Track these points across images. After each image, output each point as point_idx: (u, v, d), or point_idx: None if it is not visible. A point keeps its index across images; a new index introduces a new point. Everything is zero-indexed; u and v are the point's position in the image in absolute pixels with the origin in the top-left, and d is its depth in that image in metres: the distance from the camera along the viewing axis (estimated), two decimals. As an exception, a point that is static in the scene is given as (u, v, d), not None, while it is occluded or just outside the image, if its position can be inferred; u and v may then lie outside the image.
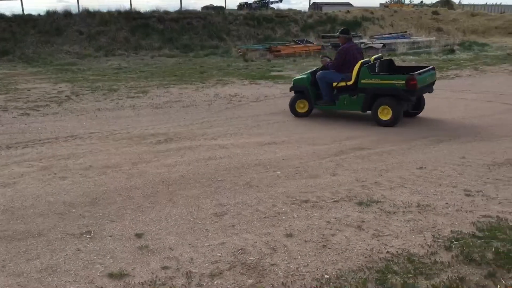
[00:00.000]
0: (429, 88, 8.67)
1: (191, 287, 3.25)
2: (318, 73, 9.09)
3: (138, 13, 26.08)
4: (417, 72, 8.26)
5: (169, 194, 5.13)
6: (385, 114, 8.26)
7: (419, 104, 8.93)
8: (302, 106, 9.41)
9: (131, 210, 4.70)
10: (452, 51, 21.72)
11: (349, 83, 8.61)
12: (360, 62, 8.51)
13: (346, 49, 8.83)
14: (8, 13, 24.50)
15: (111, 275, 3.44)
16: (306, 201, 4.89)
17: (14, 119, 9.46)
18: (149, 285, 3.29)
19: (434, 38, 25.66)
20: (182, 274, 3.43)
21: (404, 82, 7.94)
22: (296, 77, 9.76)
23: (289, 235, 4.06)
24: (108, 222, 4.43)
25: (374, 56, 9.17)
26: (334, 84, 8.81)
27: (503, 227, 4.09)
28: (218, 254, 3.72)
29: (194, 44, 24.65)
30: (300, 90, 9.38)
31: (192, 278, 3.37)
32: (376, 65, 8.60)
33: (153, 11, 26.52)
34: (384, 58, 9.25)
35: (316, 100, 9.17)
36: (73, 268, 3.56)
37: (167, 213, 4.59)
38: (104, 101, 11.35)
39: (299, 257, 3.67)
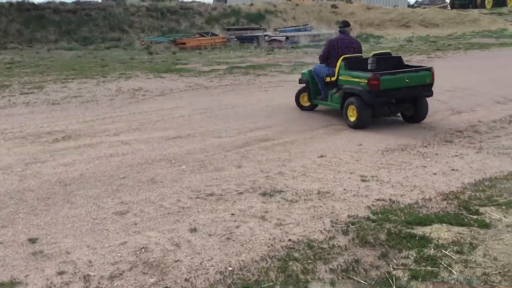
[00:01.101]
0: (418, 91, 7.45)
1: (89, 291, 3.11)
2: (313, 66, 8.64)
3: (32, 4, 24.51)
4: (389, 71, 7.31)
5: (66, 195, 4.87)
6: (352, 114, 7.48)
7: (417, 109, 7.67)
8: (306, 100, 8.93)
9: (24, 214, 4.40)
10: (350, 43, 22.71)
11: (333, 78, 8.01)
12: (342, 56, 7.84)
13: (330, 42, 8.30)
14: None
15: (1, 285, 3.20)
16: (211, 195, 4.87)
17: None
18: (43, 292, 3.11)
19: (334, 30, 26.67)
20: (79, 278, 3.27)
21: (366, 81, 7.12)
22: (304, 70, 9.33)
23: (193, 230, 4.02)
24: (-2, 228, 4.12)
25: (375, 52, 8.08)
26: (327, 79, 8.18)
27: (395, 209, 4.36)
28: (118, 254, 3.60)
29: (94, 36, 23.65)
30: (304, 83, 8.85)
31: (90, 281, 3.23)
32: (370, 61, 7.62)
33: (49, 2, 25.06)
34: (393, 55, 8.31)
35: (316, 95, 8.60)
36: (-44, 281, 3.27)
37: (64, 215, 4.37)
38: (-6, 98, 10.54)
39: (203, 251, 3.65)
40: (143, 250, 3.67)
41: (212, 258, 3.53)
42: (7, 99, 10.43)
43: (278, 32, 24.61)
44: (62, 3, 25.23)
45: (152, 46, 21.44)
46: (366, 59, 7.75)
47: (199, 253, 3.62)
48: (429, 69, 7.61)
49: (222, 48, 21.89)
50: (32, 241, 3.86)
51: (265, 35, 22.91)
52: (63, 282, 3.23)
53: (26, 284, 3.22)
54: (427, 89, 7.51)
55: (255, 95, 10.86)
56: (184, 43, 21.92)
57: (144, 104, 10.02)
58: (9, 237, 3.93)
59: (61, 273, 3.35)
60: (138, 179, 5.35)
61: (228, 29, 25.95)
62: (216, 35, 23.97)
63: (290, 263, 3.38)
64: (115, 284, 3.18)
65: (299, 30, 25.45)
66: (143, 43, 22.29)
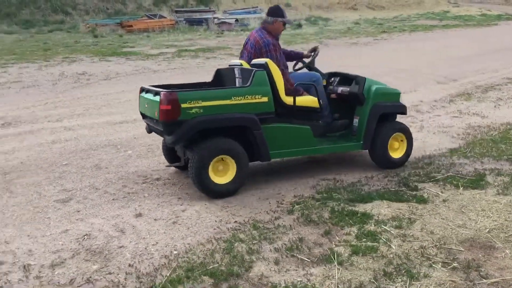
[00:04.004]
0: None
1: (29, 281, 3.03)
2: None
3: (-34, -16, 23.19)
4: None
5: (5, 184, 4.70)
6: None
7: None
8: None
9: (-41, 205, 4.22)
10: (299, 25, 22.86)
11: None
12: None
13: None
14: None
15: None
16: (158, 179, 4.83)
17: None
18: (-20, 284, 3.00)
19: (284, 13, 26.74)
20: (19, 268, 3.17)
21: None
22: None
23: (139, 215, 3.98)
24: None
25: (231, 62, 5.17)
26: None
27: (339, 187, 4.46)
28: (60, 242, 3.51)
29: (36, 19, 22.70)
30: None
31: (30, 270, 3.14)
32: (238, 73, 4.77)
33: (-15, -18, 23.76)
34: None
35: None
36: None
37: (3, 204, 4.21)
38: None
39: (148, 236, 3.61)
40: (86, 237, 3.60)
41: (157, 243, 3.50)
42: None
43: (227, 15, 24.43)
44: (0, -16, 24.02)
45: (97, 29, 20.81)
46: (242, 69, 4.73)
47: (144, 238, 3.59)
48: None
49: (171, 31, 21.53)
50: (-31, 232, 3.71)
51: (215, 18, 22.70)
52: (2, 272, 3.11)
53: (-38, 276, 3.09)
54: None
55: (205, 78, 10.75)
56: (131, 26, 21.40)
57: (89, 88, 9.75)
58: None
59: (-1, 263, 3.24)
60: (82, 165, 5.23)
61: (176, 11, 25.52)
62: (164, 17, 23.53)
63: (236, 244, 3.41)
64: (56, 273, 3.11)
65: (249, 13, 25.35)
66: (88, 26, 21.60)
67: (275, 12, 4.90)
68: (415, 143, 5.66)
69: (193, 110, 4.09)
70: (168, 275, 3.04)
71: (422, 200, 4.10)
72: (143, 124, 6.95)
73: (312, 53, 5.23)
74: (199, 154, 4.16)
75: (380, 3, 33.19)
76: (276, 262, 3.16)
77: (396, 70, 11.10)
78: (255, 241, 3.46)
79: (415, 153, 5.37)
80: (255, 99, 4.29)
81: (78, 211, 4.07)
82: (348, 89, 4.90)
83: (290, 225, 3.71)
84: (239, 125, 4.30)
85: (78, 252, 3.38)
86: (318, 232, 3.59)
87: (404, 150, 4.99)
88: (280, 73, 4.58)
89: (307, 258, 3.21)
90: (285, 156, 4.80)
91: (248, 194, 4.38)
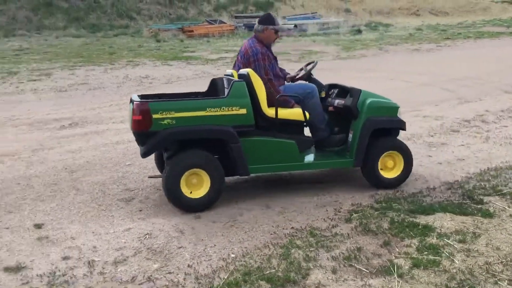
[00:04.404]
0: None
1: (93, 276, 3.15)
2: None
3: (40, -10, 24.47)
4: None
5: (72, 182, 4.91)
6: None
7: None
8: None
9: (30, 200, 4.45)
10: (359, 31, 22.56)
11: None
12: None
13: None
14: None
15: (7, 269, 3.25)
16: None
17: None
18: (48, 276, 3.15)
19: (343, 19, 26.50)
20: (84, 263, 3.31)
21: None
22: None
23: (198, 217, 4.05)
24: (5, 213, 4.17)
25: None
26: None
27: (399, 198, 4.35)
28: (123, 240, 3.64)
29: (102, 23, 23.62)
30: None
31: (94, 266, 3.27)
32: (227, 84, 4.49)
33: (57, -11, 24.99)
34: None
35: None
36: (-37, 265, 3.32)
37: (70, 202, 4.41)
38: (2, 85, 10.61)
39: (206, 238, 3.67)
40: (147, 236, 3.70)
41: (215, 245, 3.55)
42: (15, 85, 10.50)
43: (286, 20, 24.48)
44: (70, -10, 25.17)
45: (160, 34, 21.40)
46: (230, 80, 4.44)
47: (202, 239, 3.65)
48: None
49: (230, 36, 21.81)
50: (38, 226, 3.90)
51: (273, 23, 22.77)
52: (68, 267, 3.27)
53: (32, 268, 3.26)
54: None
55: (262, 83, 10.83)
56: (192, 31, 21.86)
57: (151, 91, 10.02)
58: (16, 223, 3.98)
59: (65, 258, 3.39)
60: (144, 166, 5.38)
61: (236, 17, 25.82)
62: (224, 22, 23.88)
63: (293, 251, 3.40)
64: (119, 270, 3.22)
65: (308, 18, 25.29)
66: (151, 30, 22.26)
67: (266, 20, 4.67)
68: (480, 154, 5.45)
69: (165, 121, 3.97)
70: (226, 277, 3.08)
71: (488, 214, 3.93)
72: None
73: (305, 67, 4.94)
74: (171, 166, 4.04)
75: (444, 9, 32.18)
76: (334, 271, 3.13)
77: (461, 78, 10.72)
78: (312, 248, 3.44)
79: (480, 165, 5.17)
80: (232, 110, 4.09)
81: (140, 211, 4.19)
82: (343, 102, 4.60)
83: (348, 234, 3.66)
84: (214, 138, 4.13)
85: (140, 250, 3.48)
86: (377, 242, 3.52)
87: (400, 170, 4.55)
88: (262, 84, 4.34)
89: (366, 269, 3.15)
90: (267, 171, 4.54)
91: (305, 201, 4.36)
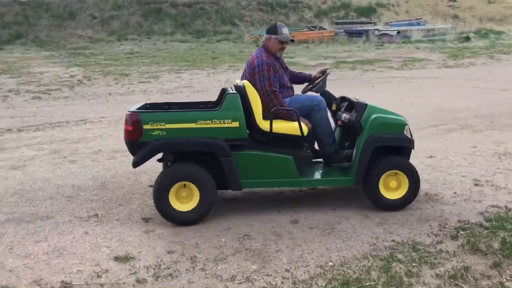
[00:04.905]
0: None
1: (195, 272, 3.27)
2: None
3: (151, -3, 26.02)
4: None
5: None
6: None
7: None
8: None
9: (139, 195, 4.72)
10: (467, 39, 21.39)
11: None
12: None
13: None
14: (22, -4, 24.58)
15: (117, 258, 3.47)
16: (313, 188, 4.87)
17: (25, 103, 9.54)
18: (154, 268, 3.31)
19: (450, 25, 25.27)
20: (186, 258, 3.45)
21: None
22: None
23: (295, 222, 4.06)
24: (116, 206, 4.47)
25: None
26: None
27: (511, 217, 4.05)
28: (223, 239, 3.74)
29: (206, 29, 24.57)
30: None
31: (196, 262, 3.39)
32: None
33: (167, -4, 26.43)
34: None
35: None
36: (79, 251, 3.60)
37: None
38: (115, 85, 11.39)
39: (303, 244, 3.67)
40: (246, 237, 3.78)
41: (312, 252, 3.53)
42: (127, 87, 11.22)
43: (389, 26, 23.85)
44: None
45: (260, 40, 21.82)
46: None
47: (299, 245, 3.64)
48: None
49: (330, 42, 21.68)
50: (146, 220, 4.13)
51: (375, 29, 22.31)
52: (172, 261, 3.42)
53: (139, 260, 3.45)
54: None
55: (361, 90, 10.63)
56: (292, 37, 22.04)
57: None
58: (125, 215, 4.24)
59: (170, 252, 3.55)
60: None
61: (336, 23, 25.64)
62: (324, 28, 23.79)
63: (394, 264, 3.29)
64: (219, 268, 3.31)
65: (412, 25, 24.43)
66: (252, 36, 22.77)
67: (270, 29, 4.53)
68: None
69: (155, 132, 3.92)
70: (324, 285, 3.05)
71: None
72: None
73: (321, 75, 4.67)
74: (159, 179, 4.00)
75: None
76: (438, 289, 2.98)
77: None
78: (415, 264, 3.30)
79: None
80: (225, 123, 3.96)
81: (240, 211, 4.28)
82: (349, 116, 4.35)
83: (454, 252, 3.46)
84: (204, 151, 4.03)
85: (239, 250, 3.56)
86: (486, 262, 3.30)
87: (405, 191, 4.22)
88: (258, 96, 4.17)
89: (473, 290, 2.97)
90: (261, 186, 4.39)
91: (407, 213, 4.20)
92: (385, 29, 22.63)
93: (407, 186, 4.21)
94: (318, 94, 4.62)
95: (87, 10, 24.39)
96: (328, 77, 4.72)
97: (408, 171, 4.22)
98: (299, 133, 4.18)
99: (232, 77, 12.47)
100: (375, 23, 25.20)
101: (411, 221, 4.04)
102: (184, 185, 3.99)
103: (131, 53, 18.04)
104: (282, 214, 4.23)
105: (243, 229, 3.92)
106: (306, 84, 4.78)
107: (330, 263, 3.36)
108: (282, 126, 4.20)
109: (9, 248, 3.65)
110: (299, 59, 16.16)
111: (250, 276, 3.20)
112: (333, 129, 4.69)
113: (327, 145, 4.46)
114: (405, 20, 26.32)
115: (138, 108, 4.28)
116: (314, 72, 4.84)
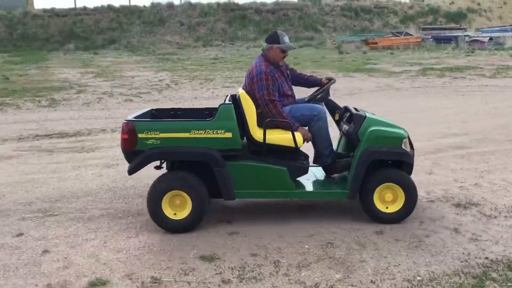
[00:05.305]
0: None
1: (279, 276, 3.29)
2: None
3: (236, 4, 26.66)
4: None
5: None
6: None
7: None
8: None
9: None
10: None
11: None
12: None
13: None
14: (116, 4, 26.10)
15: (203, 258, 3.57)
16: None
17: (118, 105, 10.10)
18: (238, 270, 3.37)
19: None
20: (270, 262, 3.48)
21: None
22: None
23: (380, 232, 3.96)
24: (201, 206, 4.58)
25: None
26: None
27: None
28: (306, 246, 3.73)
29: (289, 35, 24.63)
30: None
31: (280, 267, 3.41)
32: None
33: (251, 3, 26.96)
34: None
35: None
36: (168, 248, 3.74)
37: (256, 203, 4.66)
38: (200, 90, 11.75)
39: (389, 255, 3.57)
40: (329, 245, 3.74)
41: (399, 264, 3.43)
42: (211, 91, 11.54)
43: (480, 32, 22.71)
44: (263, 4, 26.90)
45: (342, 46, 21.60)
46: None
47: (385, 256, 3.55)
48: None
49: (416, 48, 21.03)
50: (229, 221, 4.22)
51: (466, 35, 21.33)
52: (256, 264, 3.46)
53: (224, 260, 3.53)
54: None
55: (450, 99, 10.20)
56: (375, 43, 21.62)
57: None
58: (210, 216, 4.34)
59: (254, 255, 3.60)
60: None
61: (424, 29, 24.81)
62: (410, 34, 23.13)
63: (487, 283, 3.12)
64: (303, 274, 3.31)
65: (506, 31, 23.09)
66: (334, 42, 22.59)
67: (271, 38, 4.42)
68: None
69: (150, 141, 3.96)
70: (411, 300, 2.95)
71: None
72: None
73: (327, 82, 4.55)
74: (152, 188, 4.01)
75: None
76: (537, 314, 2.78)
77: None
78: (510, 284, 3.11)
79: None
80: (218, 134, 3.96)
81: (321, 219, 4.25)
82: (347, 127, 4.21)
83: (556, 275, 3.22)
84: (196, 161, 4.02)
85: (322, 258, 3.53)
86: None
87: (402, 204, 4.09)
88: (253, 107, 4.14)
89: None
90: (254, 197, 4.30)
91: (501, 230, 3.97)
92: (476, 35, 21.57)
93: (403, 200, 4.12)
94: (323, 104, 4.52)
95: (176, 17, 25.41)
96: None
97: (404, 184, 4.12)
98: (292, 144, 4.14)
99: (314, 83, 12.45)
100: (465, 29, 24.10)
101: (507, 238, 3.81)
102: (178, 194, 4.04)
103: (215, 59, 18.54)
104: (366, 224, 4.14)
105: (326, 237, 3.89)
106: (315, 89, 4.67)
107: (418, 278, 3.24)
108: (276, 137, 4.17)
109: (103, 242, 3.87)
110: (383, 66, 15.80)
111: (334, 285, 3.16)
112: (339, 138, 4.63)
113: (324, 155, 4.40)
114: (498, 26, 24.93)
115: (144, 114, 4.43)
116: (323, 77, 4.74)
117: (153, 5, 26.05)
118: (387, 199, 4.13)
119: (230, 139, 3.99)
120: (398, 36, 22.74)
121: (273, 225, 4.14)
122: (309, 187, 4.34)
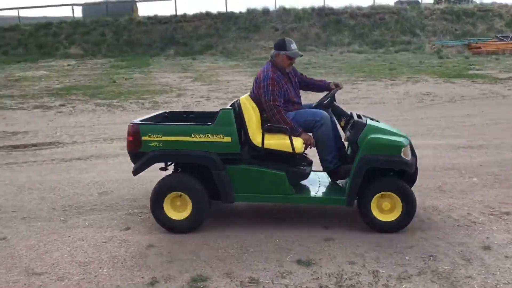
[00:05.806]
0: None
1: (378, 287, 3.21)
2: None
3: (330, 9, 26.45)
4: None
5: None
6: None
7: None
8: None
9: (318, 202, 4.80)
10: None
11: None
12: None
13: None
14: (214, 10, 26.99)
15: (299, 262, 3.58)
16: (507, 213, 4.45)
17: (215, 108, 10.41)
18: (336, 277, 3.34)
19: None
20: (368, 272, 3.41)
21: None
22: None
23: (487, 248, 3.74)
24: (297, 210, 4.60)
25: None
26: None
27: None
28: (406, 257, 3.61)
29: (384, 40, 24.08)
30: None
31: (379, 277, 3.33)
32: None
33: (346, 7, 26.61)
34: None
35: None
36: (265, 250, 3.79)
37: (353, 209, 4.59)
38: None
39: (498, 273, 3.36)
40: (431, 258, 3.59)
41: (509, 283, 3.21)
42: (304, 96, 11.51)
43: None
44: (359, 8, 26.45)
45: (442, 50, 20.66)
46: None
47: (493, 274, 3.35)
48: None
49: (524, 53, 19.59)
50: (326, 227, 4.19)
51: None
52: (354, 272, 3.41)
53: (320, 266, 3.51)
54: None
55: None
56: (479, 48, 20.46)
57: (432, 109, 9.75)
58: (305, 220, 4.35)
59: (351, 263, 3.55)
60: (425, 186, 5.24)
61: (533, 33, 23.04)
62: (517, 39, 21.59)
63: None
64: (403, 286, 3.20)
65: None
66: (433, 46, 21.68)
67: (278, 45, 4.48)
68: None
69: (153, 144, 4.12)
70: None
71: None
72: (489, 151, 6.55)
73: (334, 87, 4.58)
74: (154, 189, 4.16)
75: None
76: None
77: None
78: None
79: None
80: (217, 138, 4.08)
81: (422, 230, 4.09)
82: (349, 134, 4.19)
83: None
84: (197, 164, 4.13)
85: (424, 271, 3.40)
86: None
87: (400, 213, 4.01)
88: (253, 112, 4.25)
89: None
90: (253, 201, 4.37)
91: None
92: None
93: (401, 209, 4.03)
94: (329, 110, 4.47)
95: (270, 22, 25.73)
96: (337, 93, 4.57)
97: (402, 193, 4.04)
98: (290, 149, 4.15)
99: (411, 89, 12.04)
100: None
101: None
102: (180, 195, 4.16)
103: (308, 64, 18.52)
104: (471, 237, 3.94)
105: (428, 249, 3.74)
106: (324, 93, 4.65)
107: (531, 299, 3.02)
108: (274, 142, 4.20)
109: (203, 240, 4.01)
110: (488, 71, 14.90)
111: (438, 300, 3.03)
112: (346, 144, 4.58)
113: (327, 161, 4.41)
114: None
115: (156, 116, 4.63)
116: (331, 82, 4.73)
117: (248, 11, 26.60)
118: (385, 207, 4.09)
119: (230, 144, 4.12)
120: (503, 40, 21.33)
121: (370, 233, 4.05)
122: (308, 193, 4.34)
